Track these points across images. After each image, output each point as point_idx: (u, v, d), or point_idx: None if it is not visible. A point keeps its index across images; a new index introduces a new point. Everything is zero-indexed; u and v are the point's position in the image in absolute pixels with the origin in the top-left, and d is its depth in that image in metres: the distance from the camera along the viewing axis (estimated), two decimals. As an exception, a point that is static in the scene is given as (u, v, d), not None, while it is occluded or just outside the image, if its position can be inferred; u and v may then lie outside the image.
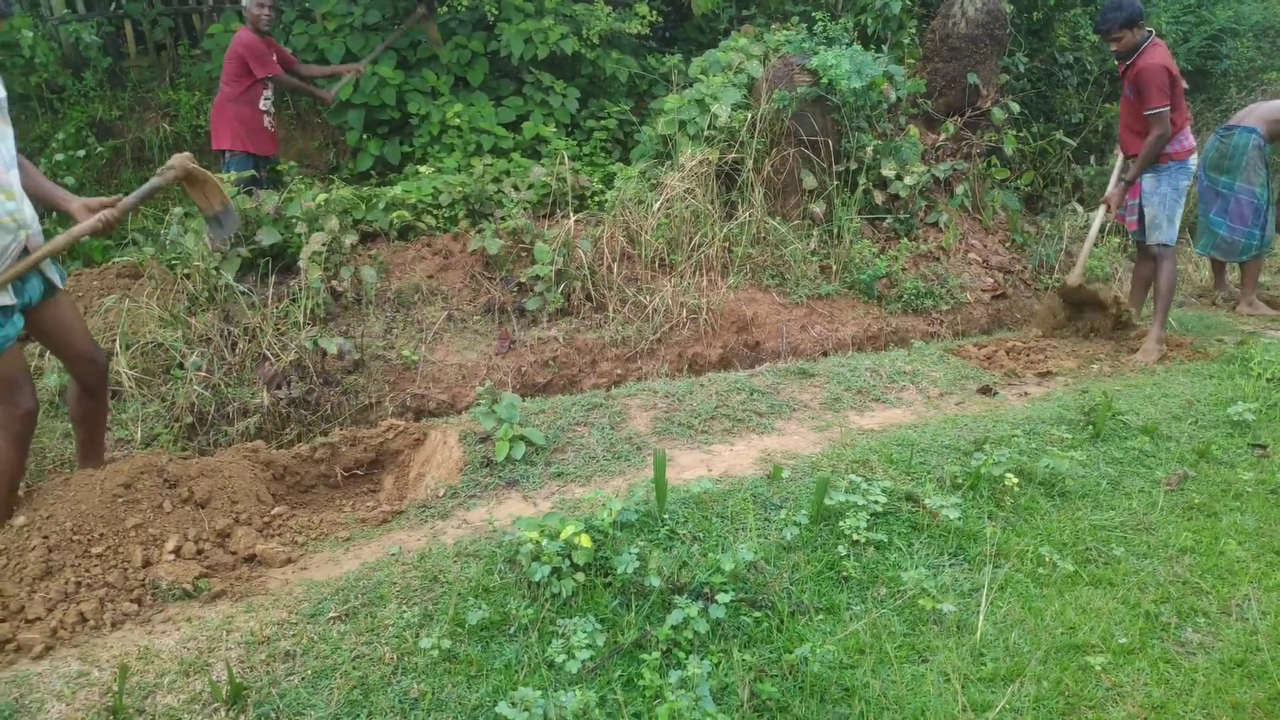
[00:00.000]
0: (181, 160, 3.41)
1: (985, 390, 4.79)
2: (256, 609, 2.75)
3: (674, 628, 2.57)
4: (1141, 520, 3.40)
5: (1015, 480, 3.45)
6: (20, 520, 3.06)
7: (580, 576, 2.76)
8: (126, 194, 3.29)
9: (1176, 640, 2.73)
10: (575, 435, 4.04)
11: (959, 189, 6.86)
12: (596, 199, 6.21)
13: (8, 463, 3.17)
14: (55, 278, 3.26)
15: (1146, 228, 5.46)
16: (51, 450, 4.20)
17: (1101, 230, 5.84)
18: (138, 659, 2.52)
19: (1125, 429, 4.16)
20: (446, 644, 2.54)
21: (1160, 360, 5.30)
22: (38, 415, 3.26)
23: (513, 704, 2.25)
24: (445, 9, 7.76)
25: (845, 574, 2.95)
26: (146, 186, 3.38)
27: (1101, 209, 5.57)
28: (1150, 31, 5.19)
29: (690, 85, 6.48)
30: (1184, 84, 5.31)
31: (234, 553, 3.12)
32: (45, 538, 3.00)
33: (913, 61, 7.33)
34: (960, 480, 3.52)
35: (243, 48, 6.20)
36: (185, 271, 4.97)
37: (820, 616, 2.76)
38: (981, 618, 2.75)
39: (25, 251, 3.08)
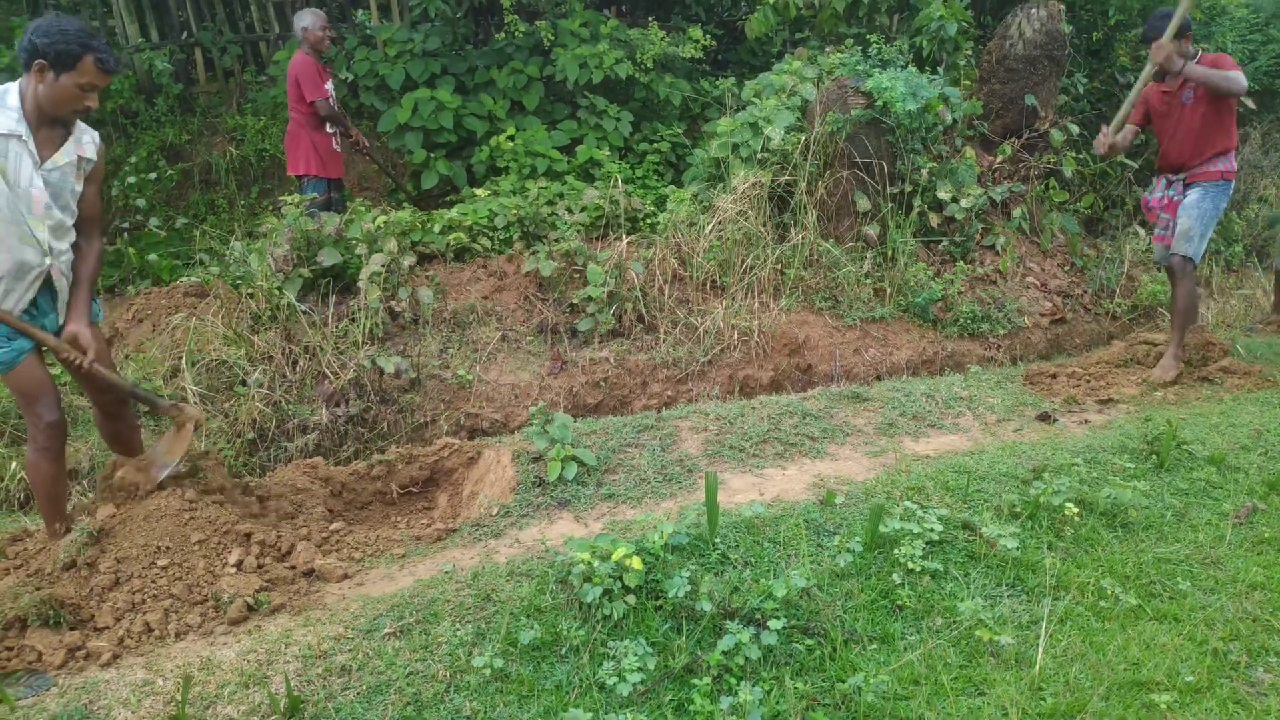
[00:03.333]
0: (191, 414, 3.56)
1: (1044, 417, 4.69)
2: (314, 623, 2.81)
3: (725, 653, 2.55)
4: (1208, 554, 3.29)
5: (1075, 510, 3.37)
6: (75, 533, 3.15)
7: (631, 599, 2.76)
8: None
9: (1247, 680, 2.64)
10: (626, 457, 4.05)
11: (1016, 211, 6.77)
12: (648, 221, 6.26)
13: (44, 475, 3.25)
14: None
15: (1176, 238, 5.27)
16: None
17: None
18: (200, 669, 2.58)
19: (1191, 459, 4.04)
20: (499, 663, 2.55)
21: (1175, 379, 5.18)
22: (65, 427, 3.30)
23: (564, 725, 2.26)
24: (503, 35, 7.92)
25: (900, 603, 2.91)
26: (134, 387, 3.51)
27: (1149, 67, 5.08)
28: (1197, 50, 5.08)
29: (743, 108, 6.50)
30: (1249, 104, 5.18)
31: (293, 567, 3.18)
32: (113, 549, 3.09)
33: (969, 83, 7.27)
34: (1019, 509, 3.46)
35: (296, 70, 6.32)
36: (249, 291, 5.11)
37: (874, 646, 2.73)
38: (1041, 651, 2.69)
39: (49, 277, 3.19)
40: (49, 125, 3.08)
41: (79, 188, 3.23)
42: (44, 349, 3.24)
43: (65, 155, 3.15)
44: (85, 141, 3.23)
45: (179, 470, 3.48)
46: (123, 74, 2.82)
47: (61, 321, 3.26)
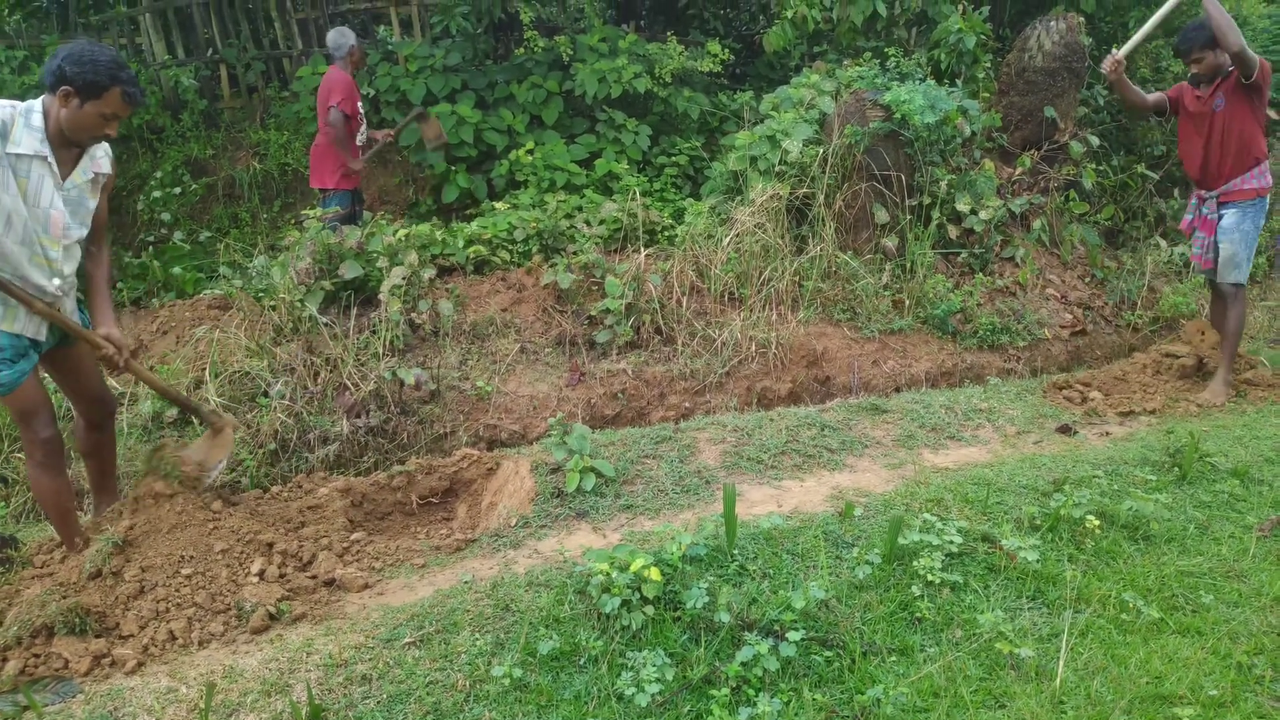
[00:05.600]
0: (229, 421, 3.81)
1: (1064, 429, 4.67)
2: (335, 632, 2.83)
3: (744, 664, 2.55)
4: (1232, 567, 3.26)
5: (1096, 522, 3.35)
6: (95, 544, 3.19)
7: (650, 610, 2.77)
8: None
9: (1272, 695, 2.61)
10: (644, 468, 4.06)
11: (1036, 223, 6.74)
12: (666, 234, 6.28)
13: (46, 489, 3.30)
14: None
15: (1222, 265, 5.16)
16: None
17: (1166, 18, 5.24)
18: (223, 677, 2.61)
19: (1214, 471, 4.00)
20: (518, 673, 2.57)
21: (1224, 403, 5.09)
22: (61, 442, 3.34)
23: (583, 735, 2.27)
24: (522, 50, 7.99)
25: (919, 615, 2.90)
26: (172, 390, 3.73)
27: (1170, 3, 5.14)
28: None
29: (761, 121, 6.53)
30: (1272, 114, 5.12)
31: (314, 577, 3.21)
32: (138, 558, 3.13)
33: (988, 95, 7.27)
34: (1039, 521, 3.44)
35: (331, 82, 6.40)
36: (271, 303, 5.17)
37: (893, 658, 2.72)
38: (1061, 664, 2.67)
39: (58, 295, 3.22)
40: (66, 146, 3.10)
41: (93, 203, 3.26)
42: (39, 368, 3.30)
43: (83, 174, 3.18)
44: (99, 156, 3.26)
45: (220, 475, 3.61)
46: (143, 107, 2.79)
47: (57, 336, 3.31)
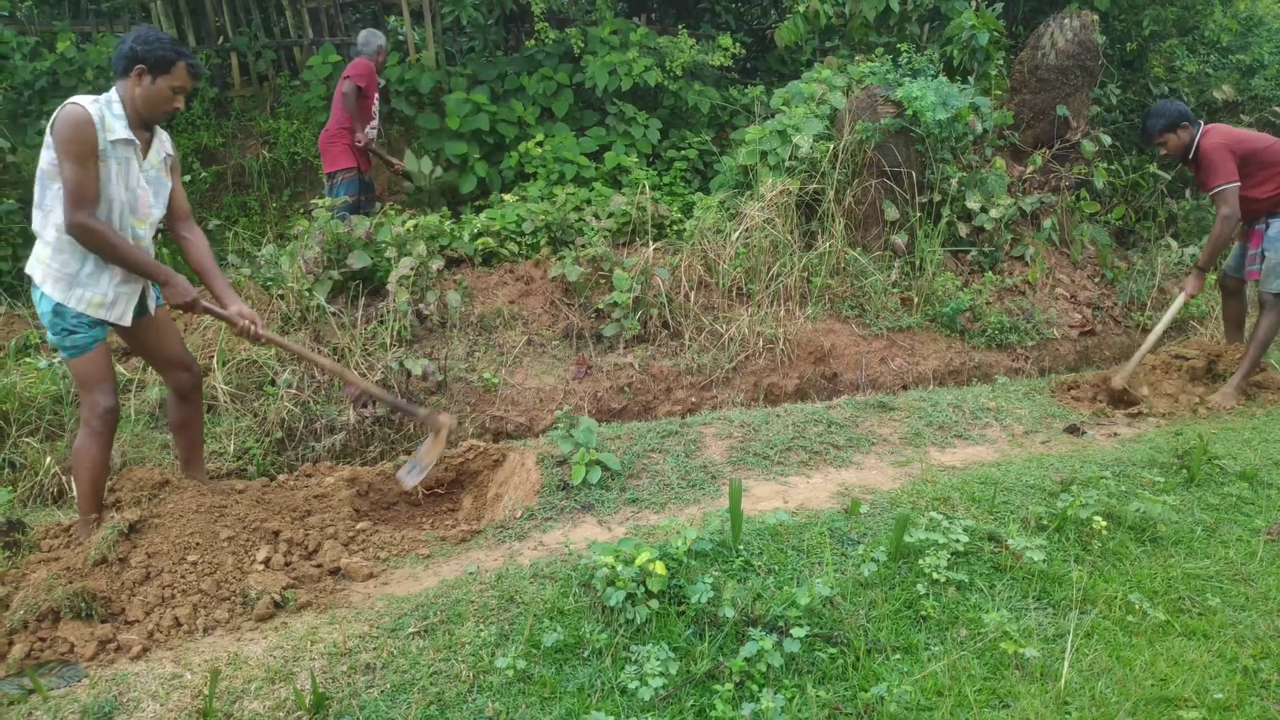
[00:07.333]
0: (447, 420, 4.01)
1: (1072, 430, 4.65)
2: (339, 621, 2.83)
3: (748, 660, 2.55)
4: (1239, 570, 3.25)
5: (1103, 523, 3.34)
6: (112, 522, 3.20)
7: (654, 604, 2.77)
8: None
9: (1277, 698, 2.60)
10: (650, 462, 4.06)
11: (1046, 222, 6.71)
12: (675, 228, 6.27)
13: (91, 458, 3.35)
14: (150, 303, 3.51)
15: (1266, 273, 5.07)
16: (150, 459, 4.41)
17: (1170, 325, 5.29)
18: (227, 664, 2.62)
19: (1222, 474, 3.98)
20: (521, 664, 2.57)
21: (1234, 408, 5.04)
22: (118, 414, 3.43)
23: (586, 728, 2.27)
24: (533, 41, 7.98)
25: (924, 613, 2.89)
26: (368, 385, 3.99)
27: (1181, 297, 5.19)
28: (1199, 124, 4.99)
29: (772, 116, 6.51)
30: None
31: (319, 565, 3.22)
32: (144, 544, 3.14)
33: (1000, 93, 7.23)
34: (1045, 521, 3.42)
35: (355, 64, 6.69)
36: (280, 292, 5.18)
37: (897, 656, 2.71)
38: (1066, 665, 2.66)
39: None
40: (140, 127, 3.28)
41: (169, 184, 3.43)
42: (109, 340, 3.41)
43: (156, 154, 3.37)
44: (164, 139, 3.45)
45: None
46: (204, 77, 3.07)
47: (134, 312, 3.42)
